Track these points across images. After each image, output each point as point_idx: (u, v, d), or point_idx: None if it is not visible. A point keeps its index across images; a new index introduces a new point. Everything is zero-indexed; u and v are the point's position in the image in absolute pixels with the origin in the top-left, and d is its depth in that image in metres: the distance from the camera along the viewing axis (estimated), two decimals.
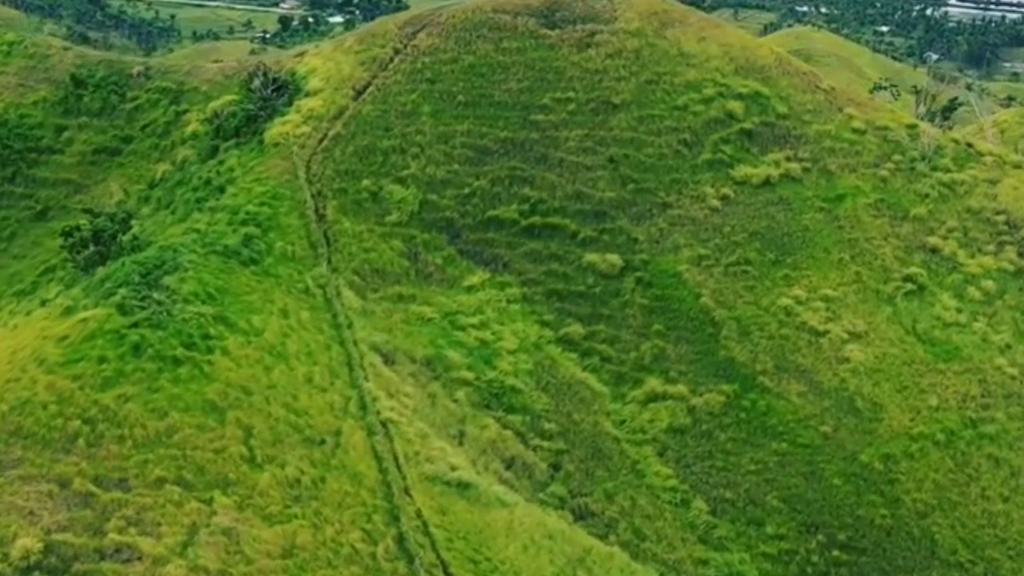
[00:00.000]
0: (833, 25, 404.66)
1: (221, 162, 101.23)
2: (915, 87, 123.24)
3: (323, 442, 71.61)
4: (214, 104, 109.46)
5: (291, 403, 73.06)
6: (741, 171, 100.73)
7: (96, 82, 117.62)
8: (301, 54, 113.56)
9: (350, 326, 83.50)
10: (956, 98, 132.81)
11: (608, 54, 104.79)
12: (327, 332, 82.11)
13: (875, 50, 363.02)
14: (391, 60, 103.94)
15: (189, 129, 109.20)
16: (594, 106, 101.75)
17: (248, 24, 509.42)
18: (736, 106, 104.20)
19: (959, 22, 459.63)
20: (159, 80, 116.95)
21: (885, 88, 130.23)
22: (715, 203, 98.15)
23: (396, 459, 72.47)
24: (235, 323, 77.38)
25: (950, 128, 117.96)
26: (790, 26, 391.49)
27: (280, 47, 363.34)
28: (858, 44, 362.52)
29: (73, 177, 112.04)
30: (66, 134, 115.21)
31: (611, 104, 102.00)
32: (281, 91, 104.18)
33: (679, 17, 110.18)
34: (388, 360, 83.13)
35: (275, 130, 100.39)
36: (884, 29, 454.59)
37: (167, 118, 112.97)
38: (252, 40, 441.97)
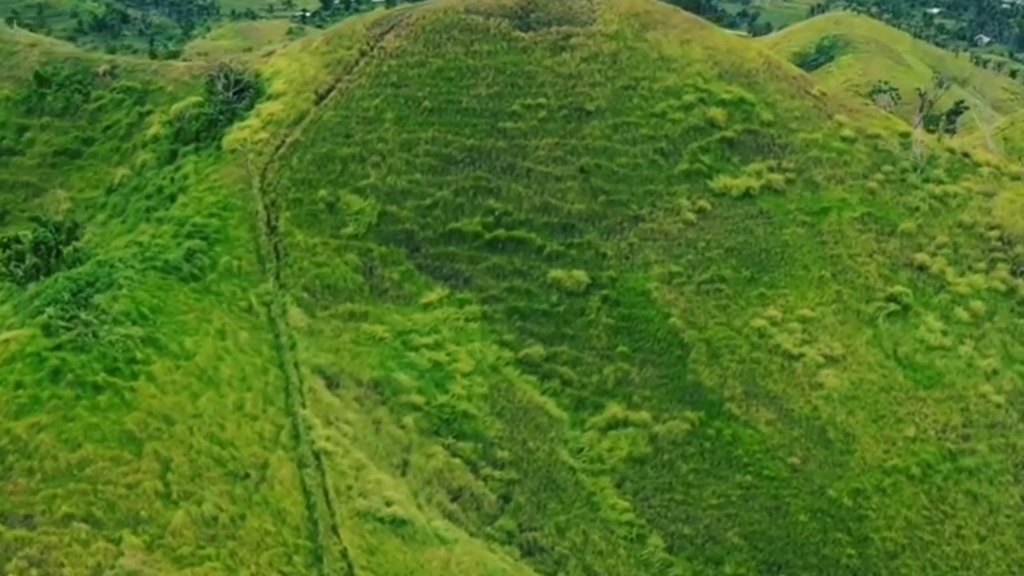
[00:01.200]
0: (883, 6, 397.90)
1: (178, 168, 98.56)
2: (919, 89, 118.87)
3: (247, 476, 68.71)
4: (177, 106, 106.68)
5: (216, 433, 70.19)
6: (720, 182, 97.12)
7: (60, 80, 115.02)
8: (269, 54, 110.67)
9: (293, 347, 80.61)
10: (962, 101, 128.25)
11: (583, 58, 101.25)
12: (266, 354, 79.24)
13: (921, 35, 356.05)
14: (356, 63, 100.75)
15: (151, 132, 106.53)
16: (566, 113, 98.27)
17: (288, 3, 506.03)
18: (718, 113, 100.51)
19: (1012, 4, 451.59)
20: (125, 79, 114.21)
21: (885, 91, 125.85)
22: (690, 216, 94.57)
23: (326, 494, 69.55)
24: (165, 346, 74.57)
25: (952, 134, 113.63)
26: (840, 8, 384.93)
27: (319, 27, 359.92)
28: (900, 30, 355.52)
29: (33, 180, 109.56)
30: (27, 135, 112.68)
31: (584, 111, 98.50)
32: (243, 94, 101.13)
33: (661, 18, 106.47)
34: (332, 383, 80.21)
35: (233, 135, 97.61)
36: (934, 11, 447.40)
37: (130, 119, 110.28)
38: (292, 19, 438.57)
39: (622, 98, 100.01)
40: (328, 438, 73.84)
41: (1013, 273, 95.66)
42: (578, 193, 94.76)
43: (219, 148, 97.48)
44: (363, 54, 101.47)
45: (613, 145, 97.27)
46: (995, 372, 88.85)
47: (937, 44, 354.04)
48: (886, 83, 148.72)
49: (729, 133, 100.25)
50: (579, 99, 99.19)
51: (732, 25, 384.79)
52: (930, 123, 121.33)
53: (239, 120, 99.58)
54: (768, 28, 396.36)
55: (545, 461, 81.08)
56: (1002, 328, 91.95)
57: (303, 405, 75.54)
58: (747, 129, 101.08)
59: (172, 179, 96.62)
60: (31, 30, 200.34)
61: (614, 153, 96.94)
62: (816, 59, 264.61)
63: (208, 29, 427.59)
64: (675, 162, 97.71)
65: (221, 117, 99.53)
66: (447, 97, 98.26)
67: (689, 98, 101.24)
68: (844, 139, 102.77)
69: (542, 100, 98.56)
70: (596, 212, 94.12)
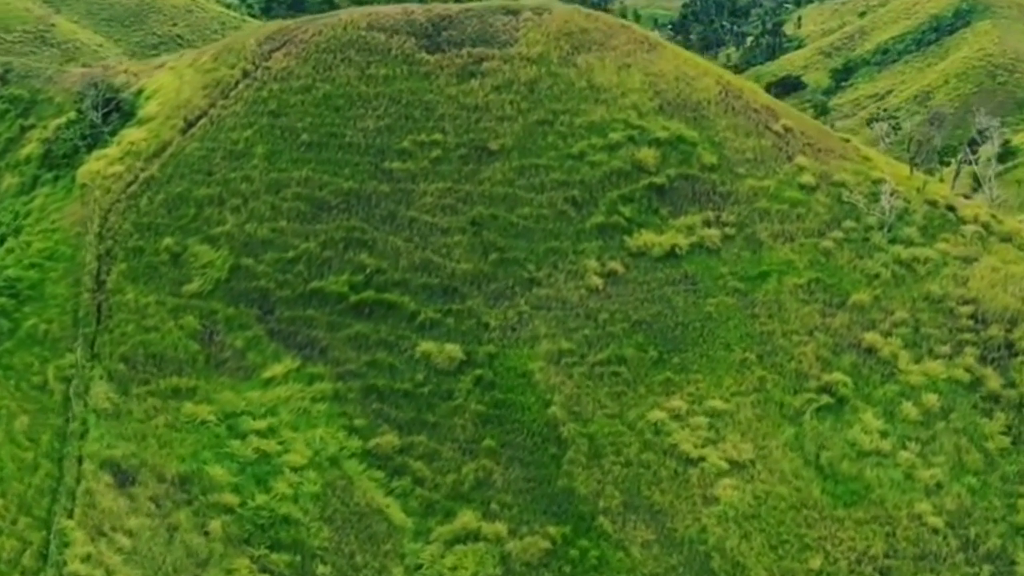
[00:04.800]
0: None
1: (29, 200, 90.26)
2: (931, 116, 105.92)
3: None
4: (57, 122, 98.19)
5: None
6: (640, 239, 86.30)
7: None
8: (161, 66, 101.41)
9: (83, 435, 71.92)
10: (975, 140, 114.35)
11: (495, 86, 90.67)
12: (45, 445, 70.99)
13: None
14: (236, 85, 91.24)
15: (24, 151, 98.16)
16: (464, 153, 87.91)
17: None
18: (648, 155, 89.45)
19: None
20: (15, 86, 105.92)
21: (883, 120, 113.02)
22: (596, 281, 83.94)
23: None
24: None
25: (939, 180, 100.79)
26: None
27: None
28: None
29: None
30: None
31: (486, 150, 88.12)
32: (110, 116, 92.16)
33: (600, 39, 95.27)
34: (126, 480, 71.71)
35: (88, 166, 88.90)
36: None
37: (11, 134, 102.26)
38: None
39: (534, 135, 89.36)
40: (88, 557, 65.12)
41: (982, 360, 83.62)
42: (466, 250, 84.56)
43: (73, 180, 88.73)
44: (246, 75, 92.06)
45: (515, 192, 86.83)
46: (938, 487, 77.21)
47: None
48: (884, 110, 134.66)
49: (659, 179, 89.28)
50: (482, 136, 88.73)
51: None
52: (947, 154, 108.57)
53: (102, 147, 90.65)
54: None
55: None
56: (958, 429, 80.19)
57: (69, 513, 66.59)
58: (683, 174, 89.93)
59: (17, 214, 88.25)
60: None
61: (515, 202, 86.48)
62: (952, 24, 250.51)
63: None
64: (588, 214, 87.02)
65: (82, 143, 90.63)
66: (329, 130, 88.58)
67: (616, 136, 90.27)
68: (802, 187, 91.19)
69: (437, 136, 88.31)
70: (484, 273, 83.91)
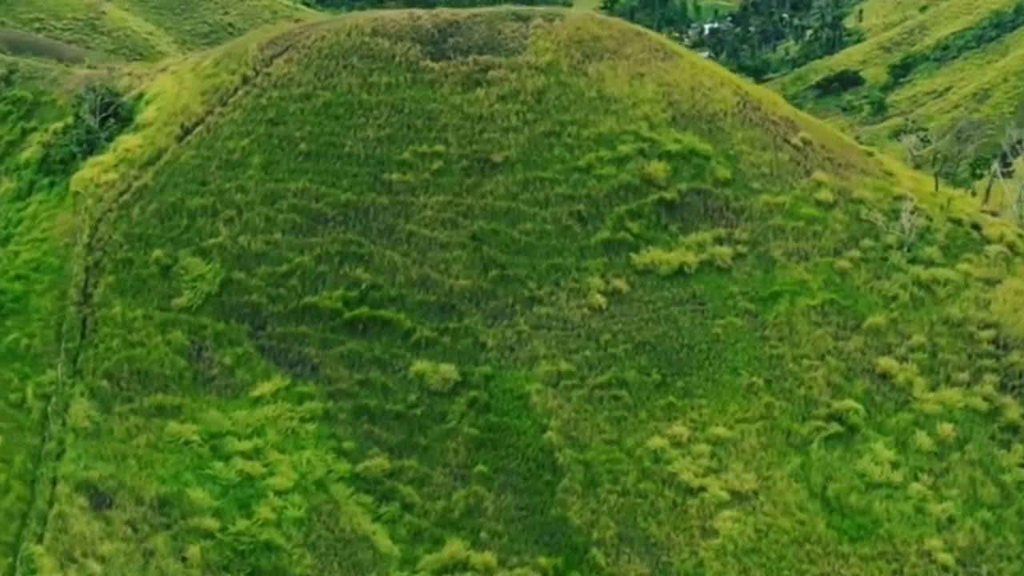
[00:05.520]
0: None
1: (24, 207, 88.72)
2: (957, 129, 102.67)
3: None
4: (57, 125, 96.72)
5: None
6: (648, 256, 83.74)
7: None
8: (164, 69, 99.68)
9: (59, 456, 70.20)
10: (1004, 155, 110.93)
11: (500, 96, 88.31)
12: (18, 466, 69.59)
13: None
14: (235, 91, 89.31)
15: (23, 155, 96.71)
16: (466, 165, 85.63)
17: None
18: (658, 168, 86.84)
19: None
20: (19, 87, 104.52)
21: (911, 132, 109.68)
22: (599, 300, 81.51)
23: None
24: None
25: (972, 194, 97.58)
26: None
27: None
28: None
29: None
30: None
31: (489, 162, 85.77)
32: (107, 121, 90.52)
33: (613, 46, 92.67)
34: (102, 503, 69.89)
35: (82, 174, 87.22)
36: None
37: (12, 137, 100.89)
38: None
39: (540, 147, 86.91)
40: None
41: (1002, 388, 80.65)
42: (465, 265, 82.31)
43: (67, 187, 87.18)
44: (246, 81, 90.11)
45: (518, 207, 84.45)
46: (951, 521, 74.35)
47: None
48: (913, 122, 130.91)
49: (670, 194, 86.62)
50: (485, 147, 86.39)
51: None
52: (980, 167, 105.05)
53: (99, 153, 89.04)
54: None
55: None
56: (973, 460, 77.23)
57: (39, 538, 64.90)
58: (694, 189, 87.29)
59: (9, 221, 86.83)
60: None
61: (518, 217, 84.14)
62: (1013, 20, 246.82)
63: None
64: (594, 229, 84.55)
65: (78, 149, 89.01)
66: (329, 139, 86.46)
67: (626, 148, 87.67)
68: (819, 203, 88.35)
69: (439, 147, 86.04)
70: (483, 290, 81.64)
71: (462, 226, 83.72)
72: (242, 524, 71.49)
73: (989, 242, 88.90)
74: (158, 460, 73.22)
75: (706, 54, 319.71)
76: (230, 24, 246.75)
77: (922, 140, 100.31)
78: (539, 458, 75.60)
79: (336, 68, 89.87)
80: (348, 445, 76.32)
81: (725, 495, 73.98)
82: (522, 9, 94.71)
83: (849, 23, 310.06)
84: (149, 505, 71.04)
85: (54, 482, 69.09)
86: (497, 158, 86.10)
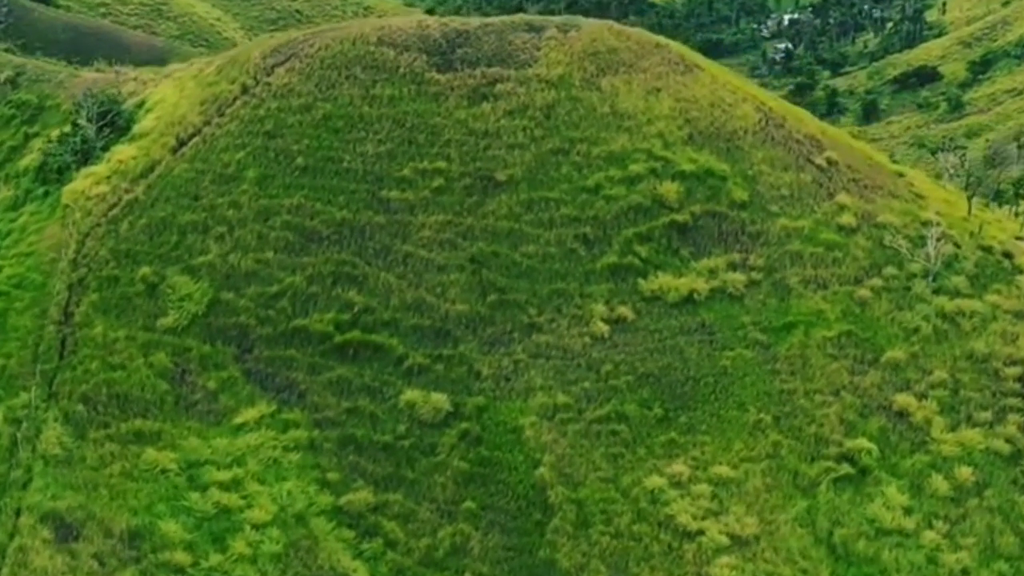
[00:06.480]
0: None
1: (16, 218, 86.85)
2: (991, 151, 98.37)
3: None
4: (57, 132, 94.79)
5: None
6: (656, 282, 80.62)
7: None
8: (169, 75, 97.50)
9: (25, 484, 68.04)
10: None
11: (507, 111, 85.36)
12: None
13: None
14: (233, 101, 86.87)
15: (23, 162, 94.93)
16: (469, 183, 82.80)
17: None
18: (671, 189, 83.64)
19: None
20: (25, 90, 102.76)
21: (949, 150, 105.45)
22: (602, 328, 78.42)
23: None
24: None
25: (1016, 215, 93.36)
26: None
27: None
28: None
29: None
30: None
31: (493, 181, 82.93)
32: (104, 129, 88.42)
33: (629, 59, 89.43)
34: (68, 535, 67.77)
35: (75, 185, 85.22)
36: None
37: (14, 142, 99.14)
38: None
39: (546, 166, 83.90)
40: None
41: None
42: (463, 289, 79.51)
43: (60, 199, 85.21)
44: (245, 90, 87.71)
45: (521, 228, 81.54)
46: (965, 572, 71.01)
47: None
48: (951, 140, 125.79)
49: (682, 216, 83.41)
50: (489, 165, 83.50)
51: None
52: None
53: (93, 163, 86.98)
54: None
55: None
56: (992, 507, 73.61)
57: None
58: (708, 211, 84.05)
59: (0, 232, 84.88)
60: None
61: (520, 239, 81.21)
62: None
63: None
64: (600, 253, 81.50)
65: (73, 159, 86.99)
66: (326, 154, 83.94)
67: (637, 168, 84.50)
68: (840, 228, 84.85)
69: (441, 164, 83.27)
70: (480, 316, 78.81)
71: (461, 248, 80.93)
72: (215, 559, 69.16)
73: (1021, 272, 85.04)
74: (131, 490, 70.98)
75: (783, 45, 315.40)
76: (298, 11, 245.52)
77: (960, 162, 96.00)
78: (530, 495, 72.75)
79: (338, 79, 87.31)
80: (332, 476, 73.76)
81: (724, 540, 70.83)
82: (536, 19, 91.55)
83: (931, 16, 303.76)
84: (118, 538, 68.86)
85: (18, 513, 66.99)
86: (501, 176, 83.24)
